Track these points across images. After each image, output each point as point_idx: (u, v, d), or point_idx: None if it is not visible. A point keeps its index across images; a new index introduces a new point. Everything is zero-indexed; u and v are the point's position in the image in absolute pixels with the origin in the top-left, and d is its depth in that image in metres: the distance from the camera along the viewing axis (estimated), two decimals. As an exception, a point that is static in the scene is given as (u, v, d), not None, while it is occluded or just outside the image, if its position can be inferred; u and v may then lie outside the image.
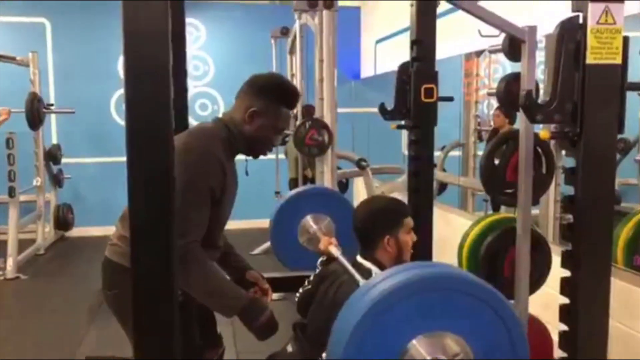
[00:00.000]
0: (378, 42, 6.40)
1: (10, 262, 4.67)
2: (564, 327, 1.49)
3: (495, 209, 3.08)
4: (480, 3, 1.51)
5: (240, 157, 1.77)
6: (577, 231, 1.43)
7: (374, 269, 1.67)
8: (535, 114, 1.41)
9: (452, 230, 2.57)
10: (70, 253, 5.59)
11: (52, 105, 5.64)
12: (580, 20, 1.35)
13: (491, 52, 4.11)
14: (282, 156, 5.22)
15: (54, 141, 6.03)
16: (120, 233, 1.67)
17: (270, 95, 1.67)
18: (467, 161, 4.76)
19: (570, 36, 1.35)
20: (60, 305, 4.02)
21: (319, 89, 3.68)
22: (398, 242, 1.71)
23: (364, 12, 6.93)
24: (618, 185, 3.17)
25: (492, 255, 1.72)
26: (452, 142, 4.86)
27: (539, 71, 1.66)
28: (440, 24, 1.84)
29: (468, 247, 1.78)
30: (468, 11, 1.60)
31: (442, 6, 1.74)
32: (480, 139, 4.85)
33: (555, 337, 1.58)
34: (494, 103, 4.71)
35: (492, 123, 4.67)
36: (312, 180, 4.23)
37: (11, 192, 4.91)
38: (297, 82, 4.46)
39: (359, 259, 1.73)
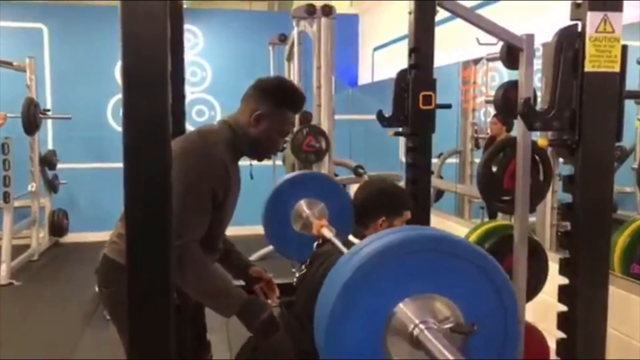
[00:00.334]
0: (376, 49, 6.42)
1: (3, 268, 4.64)
2: (562, 335, 1.49)
3: (492, 216, 3.09)
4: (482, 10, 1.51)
5: (244, 162, 1.77)
6: (575, 239, 1.43)
7: None
8: (533, 121, 1.41)
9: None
10: (65, 259, 5.56)
11: (48, 110, 5.64)
12: (579, 29, 1.36)
13: (489, 60, 4.14)
14: (279, 162, 5.21)
15: (50, 146, 6.01)
16: (119, 231, 1.66)
17: (276, 99, 1.67)
18: (464, 168, 4.77)
19: (569, 44, 1.35)
20: (54, 311, 3.99)
21: (317, 96, 3.68)
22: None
23: (362, 20, 6.96)
24: (614, 193, 3.18)
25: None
26: (450, 149, 4.87)
27: (535, 79, 1.66)
28: (438, 31, 1.85)
29: (465, 255, 1.78)
30: (466, 19, 1.61)
31: (441, 14, 1.75)
32: (477, 146, 4.87)
33: (552, 345, 1.57)
34: (491, 110, 4.73)
35: (489, 130, 4.68)
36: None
37: (6, 198, 4.89)
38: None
39: (351, 237, 1.73)
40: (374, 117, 2.18)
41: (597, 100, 1.35)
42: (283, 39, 5.24)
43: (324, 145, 3.53)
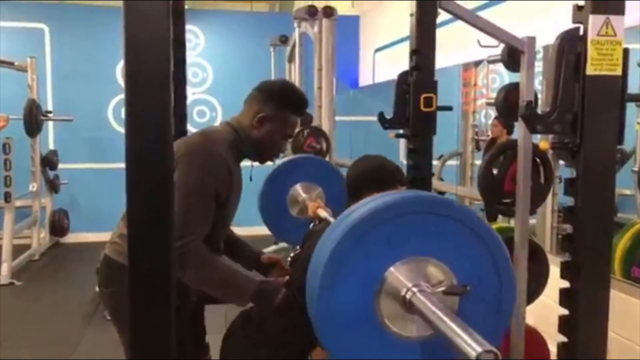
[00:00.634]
0: (377, 50, 6.42)
1: (4, 268, 4.64)
2: (563, 338, 1.48)
3: (491, 218, 3.08)
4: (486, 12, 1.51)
5: (245, 163, 1.77)
6: (577, 242, 1.43)
7: None
8: (535, 124, 1.41)
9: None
10: (65, 259, 5.57)
11: (50, 112, 5.65)
12: (581, 32, 1.36)
13: (490, 62, 4.14)
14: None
15: (51, 147, 6.02)
16: (121, 232, 1.66)
17: (279, 102, 1.67)
18: (464, 170, 4.77)
19: (571, 47, 1.35)
20: (54, 311, 3.99)
21: (318, 97, 3.68)
22: None
23: (363, 21, 6.96)
24: (615, 196, 3.18)
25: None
26: (451, 151, 4.87)
27: (536, 82, 1.66)
28: (439, 33, 1.85)
29: (466, 257, 1.77)
30: (468, 21, 1.61)
31: (442, 16, 1.75)
32: (477, 148, 4.87)
33: (552, 348, 1.57)
34: (492, 113, 4.73)
35: (490, 133, 4.69)
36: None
37: (7, 197, 4.89)
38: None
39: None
40: (374, 118, 2.18)
41: (599, 104, 1.35)
42: (284, 40, 5.24)
43: (324, 146, 3.52)
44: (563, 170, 2.50)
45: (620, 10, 1.32)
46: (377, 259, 1.04)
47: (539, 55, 2.61)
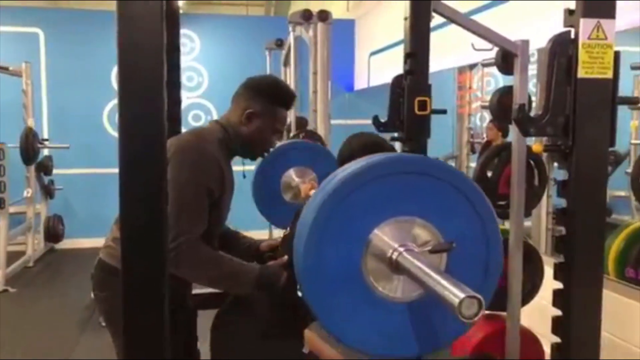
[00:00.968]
0: (372, 54, 6.44)
1: (-1, 274, 4.62)
2: (556, 339, 1.49)
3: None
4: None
5: (237, 167, 1.77)
6: (570, 243, 1.44)
7: None
8: (527, 127, 1.42)
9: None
10: (60, 265, 5.54)
11: (46, 140, 5.66)
12: (572, 35, 1.37)
13: (484, 65, 4.16)
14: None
15: (46, 152, 6.00)
16: (114, 235, 1.66)
17: (266, 97, 1.68)
18: (459, 173, 4.79)
19: (562, 51, 1.36)
20: (49, 317, 3.97)
21: (313, 101, 3.69)
22: None
23: (358, 25, 6.98)
24: (609, 197, 3.20)
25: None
26: (446, 154, 4.89)
27: (531, 84, 1.68)
28: (433, 37, 1.86)
29: (461, 259, 1.78)
30: (461, 25, 1.62)
31: (437, 20, 1.76)
32: (473, 151, 4.89)
33: (547, 349, 1.58)
34: (487, 116, 4.75)
35: (484, 135, 4.71)
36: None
37: (1, 204, 4.87)
38: (290, 93, 4.47)
39: None
40: (369, 121, 2.19)
41: (591, 106, 1.36)
42: (279, 44, 5.25)
43: (320, 150, 3.52)
44: (557, 172, 2.51)
45: (611, 14, 1.33)
46: (362, 219, 1.03)
47: (534, 59, 2.63)
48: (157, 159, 1.09)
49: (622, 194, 3.49)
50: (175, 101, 2.13)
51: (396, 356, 1.08)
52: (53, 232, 5.80)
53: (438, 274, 0.95)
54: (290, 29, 4.04)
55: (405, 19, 1.87)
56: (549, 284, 1.55)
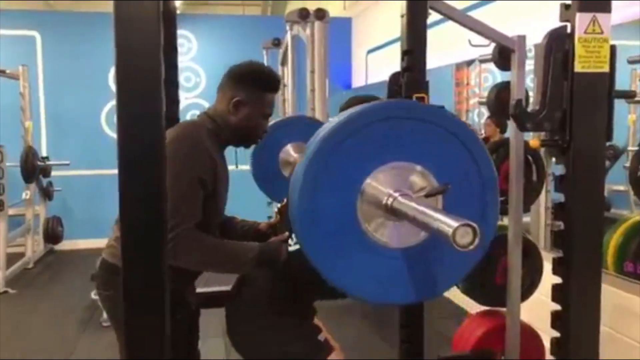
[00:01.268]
0: (369, 52, 6.44)
1: (-1, 276, 4.62)
2: (556, 334, 1.49)
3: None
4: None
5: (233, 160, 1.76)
6: (568, 238, 1.44)
7: None
8: (525, 122, 1.42)
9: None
10: (60, 266, 5.54)
11: (46, 158, 5.66)
12: (568, 30, 1.37)
13: (481, 61, 4.16)
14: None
15: (44, 153, 5.99)
16: (116, 235, 1.66)
17: (251, 83, 1.67)
18: (458, 170, 4.78)
19: (559, 45, 1.37)
20: (50, 318, 3.97)
21: (311, 99, 3.69)
22: None
23: (355, 23, 6.98)
24: (607, 192, 3.21)
25: (483, 263, 1.72)
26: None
27: (528, 79, 1.68)
28: (430, 34, 1.86)
29: (460, 255, 1.78)
30: (458, 22, 1.62)
31: (433, 17, 1.76)
32: (471, 147, 4.87)
33: (547, 344, 1.58)
34: (485, 112, 4.75)
35: (482, 132, 4.70)
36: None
37: (0, 206, 4.87)
38: (288, 92, 4.47)
39: None
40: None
41: (587, 101, 1.37)
42: (277, 43, 5.25)
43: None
44: (556, 167, 2.51)
45: (606, 8, 1.33)
46: (356, 166, 1.03)
47: (531, 54, 2.63)
48: (156, 159, 1.09)
49: (621, 188, 3.49)
50: (173, 101, 2.14)
51: (393, 303, 1.08)
52: (52, 234, 5.80)
53: (432, 210, 0.94)
54: (288, 28, 4.03)
55: (402, 16, 1.87)
56: (549, 279, 1.56)
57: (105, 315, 3.65)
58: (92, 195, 6.10)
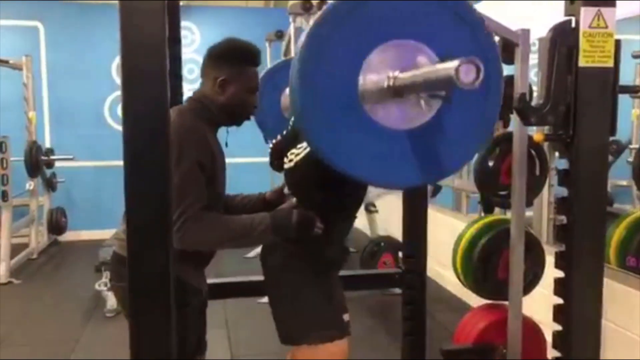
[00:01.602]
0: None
1: (3, 267, 4.65)
2: (558, 327, 1.50)
3: (488, 210, 3.10)
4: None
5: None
6: (571, 232, 1.45)
7: None
8: (529, 116, 1.42)
9: (447, 231, 2.58)
10: (64, 257, 5.57)
11: (50, 151, 5.68)
12: (573, 24, 1.37)
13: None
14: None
15: (48, 145, 6.01)
16: (125, 227, 1.68)
17: (232, 60, 1.68)
18: (461, 163, 4.78)
19: (563, 40, 1.36)
20: (53, 309, 4.00)
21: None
22: None
23: (357, 16, 6.95)
24: (610, 186, 3.20)
25: (486, 257, 1.73)
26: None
27: (532, 73, 1.68)
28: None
29: (462, 249, 1.79)
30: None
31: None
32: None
33: (549, 338, 1.59)
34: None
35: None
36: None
37: (4, 196, 4.89)
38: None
39: None
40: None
41: (591, 95, 1.36)
42: (280, 35, 5.23)
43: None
44: (560, 161, 2.51)
45: (611, 2, 1.33)
46: (355, 46, 1.00)
47: (535, 48, 2.62)
48: (161, 150, 1.09)
49: (624, 183, 3.49)
50: (177, 93, 2.14)
51: (399, 185, 1.08)
52: (56, 225, 5.83)
53: (432, 66, 0.93)
54: (291, 20, 4.02)
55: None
56: (551, 272, 1.56)
57: (108, 305, 3.69)
58: (96, 186, 6.12)
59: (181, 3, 2.22)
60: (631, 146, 3.45)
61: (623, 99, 1.45)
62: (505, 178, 1.67)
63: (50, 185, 5.82)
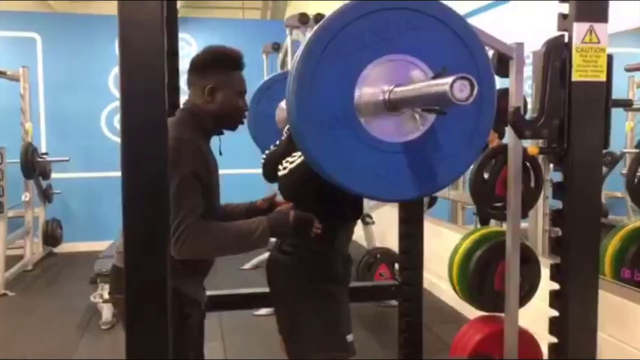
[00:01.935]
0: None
1: (-3, 278, 4.62)
2: (553, 339, 1.50)
3: (483, 222, 3.11)
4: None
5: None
6: (565, 244, 1.45)
7: None
8: (523, 130, 1.44)
9: (442, 243, 2.58)
10: (59, 269, 5.53)
11: (46, 154, 5.66)
12: (566, 39, 1.39)
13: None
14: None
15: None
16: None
17: (217, 67, 1.70)
18: (457, 175, 4.78)
19: (556, 54, 1.38)
20: (48, 321, 3.97)
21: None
22: None
23: (354, 28, 7.00)
24: (605, 198, 3.22)
25: (482, 269, 1.73)
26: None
27: (526, 86, 1.69)
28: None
29: (458, 261, 1.80)
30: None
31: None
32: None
33: (544, 349, 1.59)
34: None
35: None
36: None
37: (-1, 207, 4.86)
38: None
39: None
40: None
41: (584, 109, 1.38)
42: (276, 47, 5.27)
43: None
44: (555, 174, 2.52)
45: (603, 18, 1.35)
46: (352, 60, 1.01)
47: (529, 61, 2.65)
48: (159, 162, 1.10)
49: (619, 194, 3.50)
50: (175, 105, 2.15)
51: (394, 198, 1.09)
52: (51, 236, 5.80)
53: (427, 82, 0.94)
54: (287, 32, 4.05)
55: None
56: (546, 285, 1.57)
57: (104, 318, 3.67)
58: (92, 198, 6.10)
59: (178, 14, 2.23)
60: (626, 151, 3.46)
61: (617, 110, 1.47)
62: (501, 190, 1.68)
63: (46, 196, 5.80)
